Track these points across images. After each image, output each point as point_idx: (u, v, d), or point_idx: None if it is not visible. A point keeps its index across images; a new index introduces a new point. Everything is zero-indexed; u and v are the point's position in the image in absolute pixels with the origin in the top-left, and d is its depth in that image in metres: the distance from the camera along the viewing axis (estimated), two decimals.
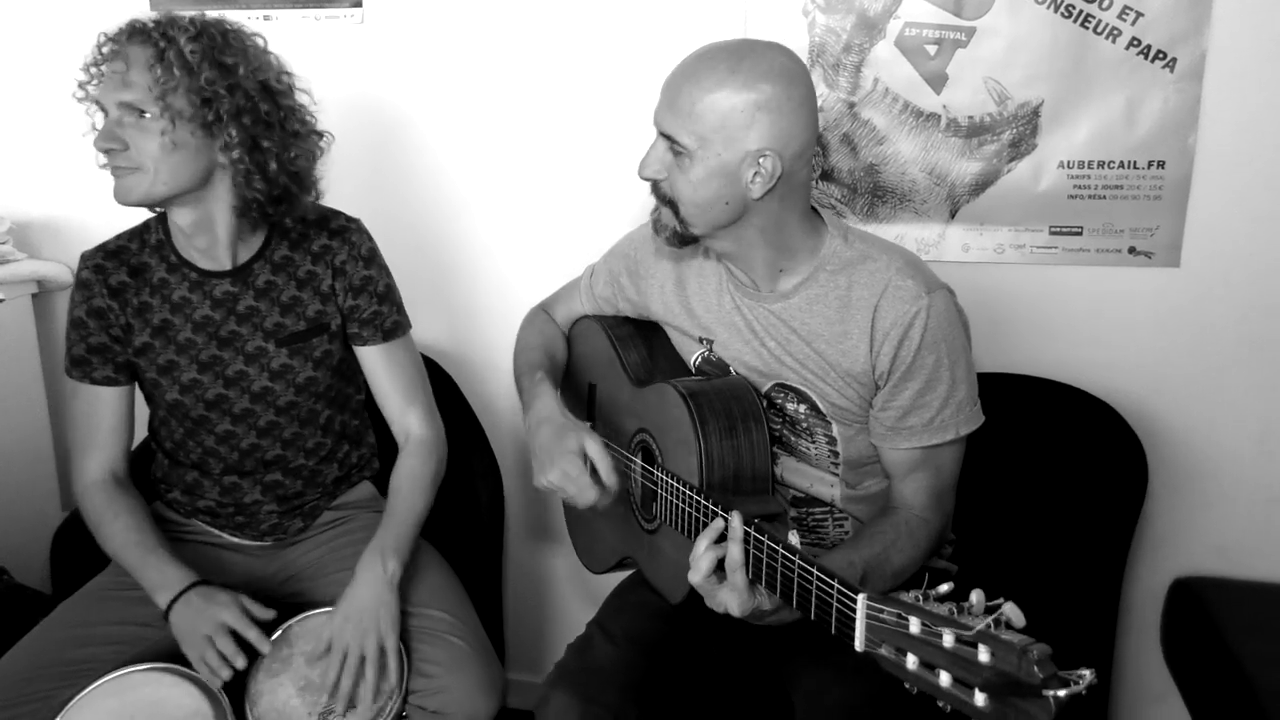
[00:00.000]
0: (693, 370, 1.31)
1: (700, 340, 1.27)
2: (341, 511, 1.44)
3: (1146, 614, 1.65)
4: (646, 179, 1.16)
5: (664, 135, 1.12)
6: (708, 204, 1.12)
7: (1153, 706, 1.69)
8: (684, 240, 1.18)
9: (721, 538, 1.01)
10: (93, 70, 1.21)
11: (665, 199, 1.15)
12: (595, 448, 1.16)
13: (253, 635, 1.20)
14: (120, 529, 1.27)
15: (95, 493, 1.30)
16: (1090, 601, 1.52)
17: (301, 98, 1.29)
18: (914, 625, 0.67)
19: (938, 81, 1.53)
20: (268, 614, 1.23)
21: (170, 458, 1.40)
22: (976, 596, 0.64)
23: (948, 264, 1.58)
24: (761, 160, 1.08)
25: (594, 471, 1.16)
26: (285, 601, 1.39)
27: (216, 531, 1.40)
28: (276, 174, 1.24)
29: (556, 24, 1.65)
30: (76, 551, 1.47)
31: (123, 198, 1.22)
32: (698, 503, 1.09)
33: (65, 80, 1.82)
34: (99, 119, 1.22)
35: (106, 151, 1.19)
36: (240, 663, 1.18)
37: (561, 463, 1.16)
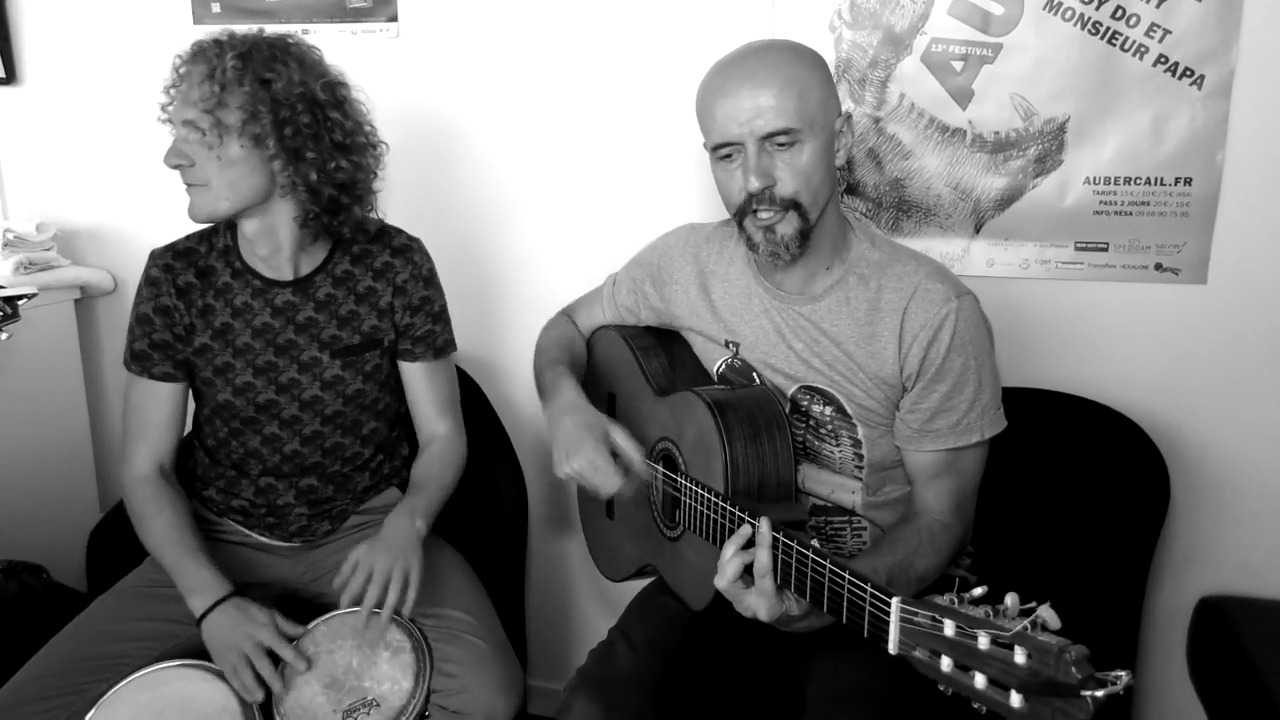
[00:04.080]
0: (715, 378, 1.32)
1: (726, 344, 1.29)
2: (368, 516, 1.46)
3: (1172, 632, 1.64)
4: (757, 191, 1.11)
5: (767, 136, 1.10)
6: (821, 184, 1.13)
7: None
8: (805, 238, 1.14)
9: (749, 544, 1.02)
10: (171, 92, 1.25)
11: (782, 203, 1.12)
12: (623, 438, 1.19)
13: (288, 654, 1.20)
14: (162, 525, 1.29)
15: (142, 486, 1.33)
16: (1112, 618, 1.51)
17: (358, 109, 1.32)
18: (949, 628, 0.67)
19: (964, 97, 1.54)
20: (298, 630, 1.24)
21: (210, 455, 1.42)
22: (1011, 599, 0.65)
23: (972, 279, 1.57)
24: (842, 129, 1.14)
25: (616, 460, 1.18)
26: (311, 602, 1.42)
27: (247, 531, 1.43)
28: (319, 184, 1.26)
29: (587, 39, 1.68)
30: (112, 551, 1.49)
31: (193, 215, 1.27)
32: (723, 509, 1.10)
33: (109, 91, 1.89)
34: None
35: (174, 167, 1.24)
36: (278, 686, 1.19)
37: (587, 451, 1.18)
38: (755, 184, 1.11)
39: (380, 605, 1.20)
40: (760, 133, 1.09)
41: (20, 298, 1.72)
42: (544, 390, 1.34)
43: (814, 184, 1.12)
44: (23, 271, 1.82)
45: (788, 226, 1.13)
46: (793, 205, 1.12)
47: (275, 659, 1.21)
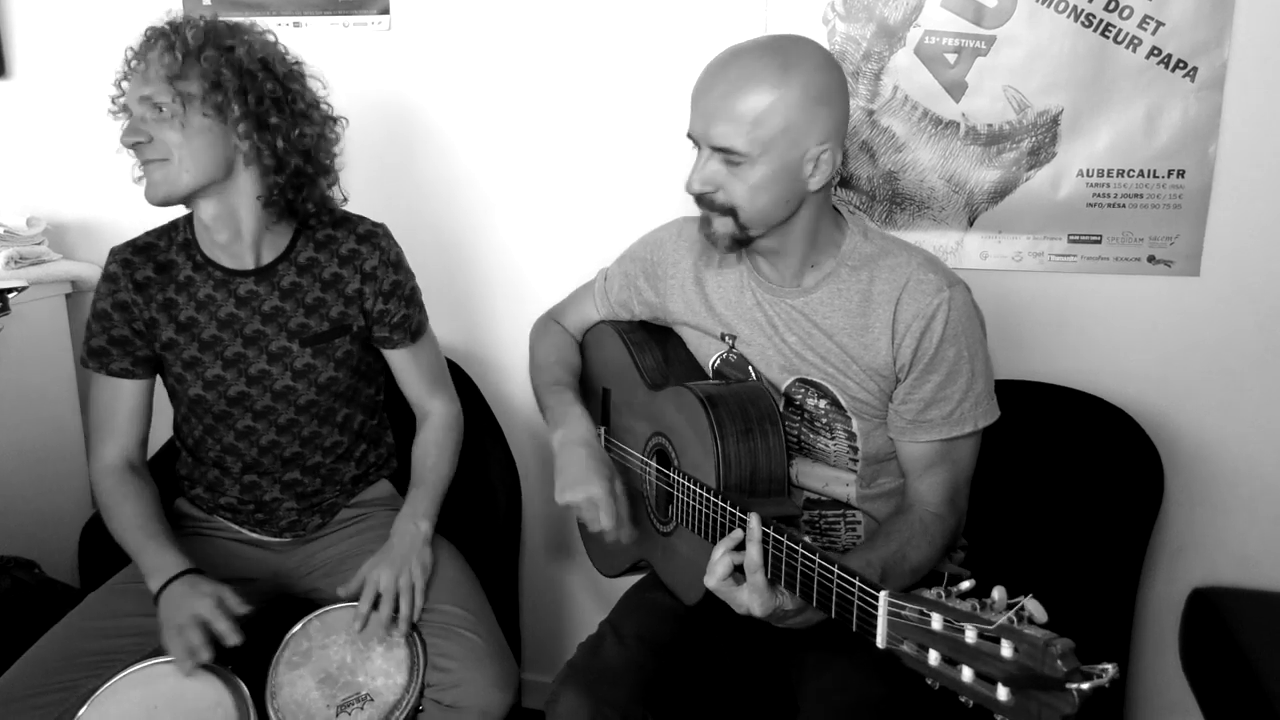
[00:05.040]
0: (710, 373, 1.32)
1: (723, 337, 1.29)
2: (360, 509, 1.46)
3: (1165, 623, 1.65)
4: (697, 194, 1.14)
5: (716, 149, 1.10)
6: (770, 205, 1.12)
7: (1170, 717, 1.68)
8: (741, 244, 1.17)
9: (739, 545, 1.02)
10: (124, 84, 1.26)
11: (721, 208, 1.14)
12: (620, 488, 1.23)
13: (222, 627, 1.19)
14: (127, 513, 1.30)
15: (108, 477, 1.33)
16: (1105, 610, 1.51)
17: (312, 84, 1.32)
18: (936, 621, 0.67)
19: (957, 89, 1.54)
20: (243, 609, 1.22)
21: (193, 455, 1.42)
22: (999, 593, 0.65)
23: (966, 271, 1.56)
24: (822, 154, 1.10)
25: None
26: (305, 597, 1.42)
27: (237, 527, 1.43)
28: (286, 152, 1.26)
29: (578, 32, 1.67)
30: (104, 546, 1.48)
31: (151, 194, 1.25)
32: (715, 504, 1.10)
33: (98, 85, 1.87)
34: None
35: (134, 147, 1.23)
36: (204, 656, 1.17)
37: (593, 488, 1.20)
38: (694, 188, 1.13)
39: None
40: (711, 142, 1.10)
41: (10, 291, 1.71)
42: (550, 413, 1.34)
43: (758, 204, 1.11)
44: (13, 266, 1.82)
45: (722, 228, 1.15)
46: (730, 213, 1.13)
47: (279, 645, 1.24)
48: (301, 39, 1.72)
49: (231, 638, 1.19)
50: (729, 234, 1.15)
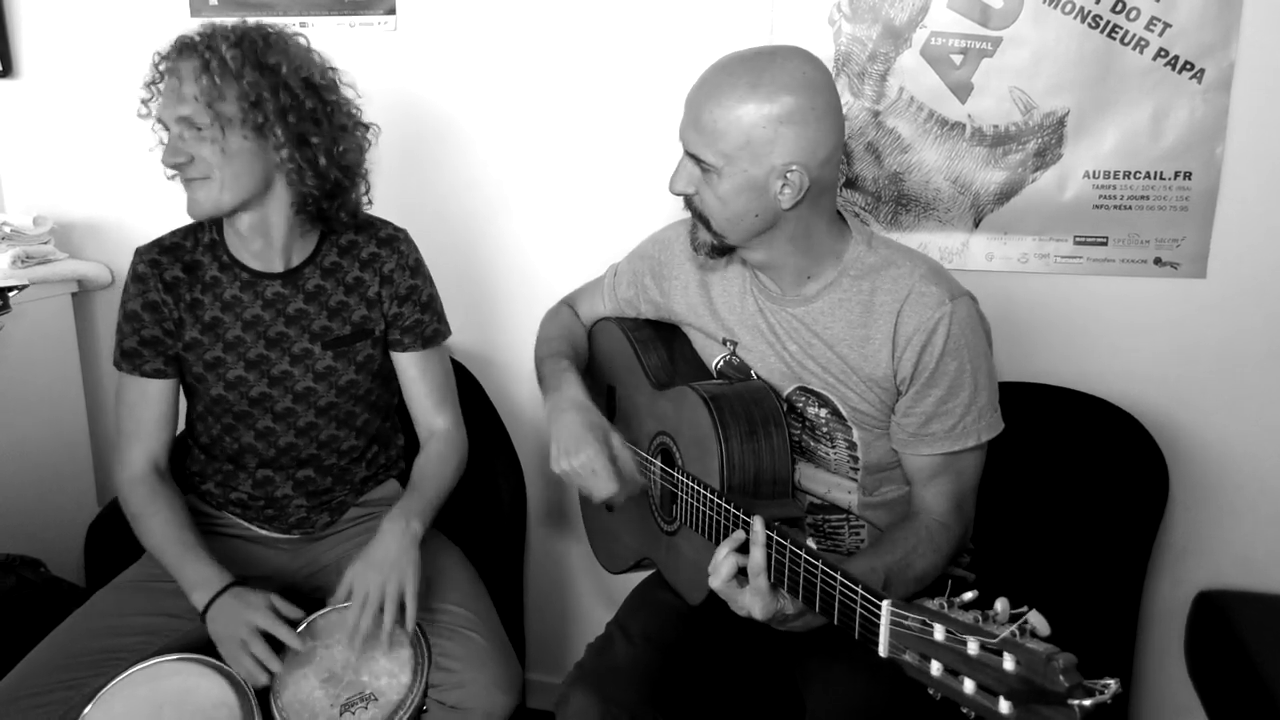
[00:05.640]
0: (714, 374, 1.32)
1: (725, 342, 1.29)
2: (367, 508, 1.47)
3: (1170, 626, 1.64)
4: (676, 195, 1.17)
5: (689, 154, 1.13)
6: (738, 217, 1.13)
7: None
8: (721, 251, 1.19)
9: (743, 546, 1.02)
10: (152, 89, 1.25)
11: (698, 213, 1.17)
12: (621, 445, 1.20)
13: (283, 634, 1.21)
14: (160, 524, 1.30)
15: (138, 485, 1.33)
16: (1110, 613, 1.51)
17: (346, 92, 1.32)
18: (938, 632, 0.67)
19: (963, 91, 1.53)
20: (296, 613, 1.24)
21: (206, 452, 1.43)
22: (1001, 604, 0.65)
23: (971, 273, 1.58)
24: (789, 174, 1.08)
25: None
26: (310, 595, 1.42)
27: (246, 524, 1.43)
28: (327, 168, 1.27)
29: (585, 31, 1.67)
30: (110, 545, 1.50)
31: (194, 211, 1.26)
32: (718, 505, 1.10)
33: (106, 85, 1.88)
34: (165, 136, 1.26)
35: (175, 166, 1.24)
36: (275, 666, 1.19)
37: (587, 450, 1.18)
38: (674, 188, 1.16)
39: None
40: (685, 148, 1.13)
41: (11, 289, 1.72)
42: (545, 382, 1.34)
43: (726, 215, 1.13)
44: (20, 265, 1.82)
45: (702, 235, 1.18)
46: (703, 219, 1.15)
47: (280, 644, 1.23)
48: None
49: (296, 643, 1.21)
50: (708, 241, 1.18)
